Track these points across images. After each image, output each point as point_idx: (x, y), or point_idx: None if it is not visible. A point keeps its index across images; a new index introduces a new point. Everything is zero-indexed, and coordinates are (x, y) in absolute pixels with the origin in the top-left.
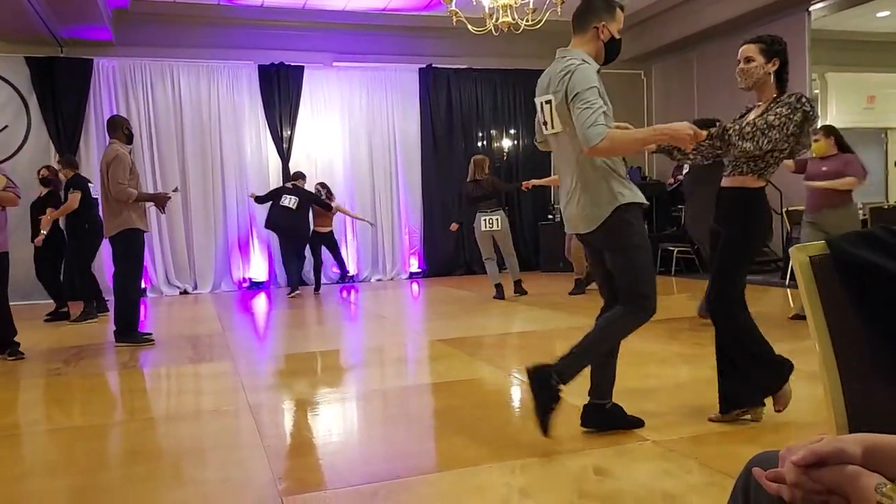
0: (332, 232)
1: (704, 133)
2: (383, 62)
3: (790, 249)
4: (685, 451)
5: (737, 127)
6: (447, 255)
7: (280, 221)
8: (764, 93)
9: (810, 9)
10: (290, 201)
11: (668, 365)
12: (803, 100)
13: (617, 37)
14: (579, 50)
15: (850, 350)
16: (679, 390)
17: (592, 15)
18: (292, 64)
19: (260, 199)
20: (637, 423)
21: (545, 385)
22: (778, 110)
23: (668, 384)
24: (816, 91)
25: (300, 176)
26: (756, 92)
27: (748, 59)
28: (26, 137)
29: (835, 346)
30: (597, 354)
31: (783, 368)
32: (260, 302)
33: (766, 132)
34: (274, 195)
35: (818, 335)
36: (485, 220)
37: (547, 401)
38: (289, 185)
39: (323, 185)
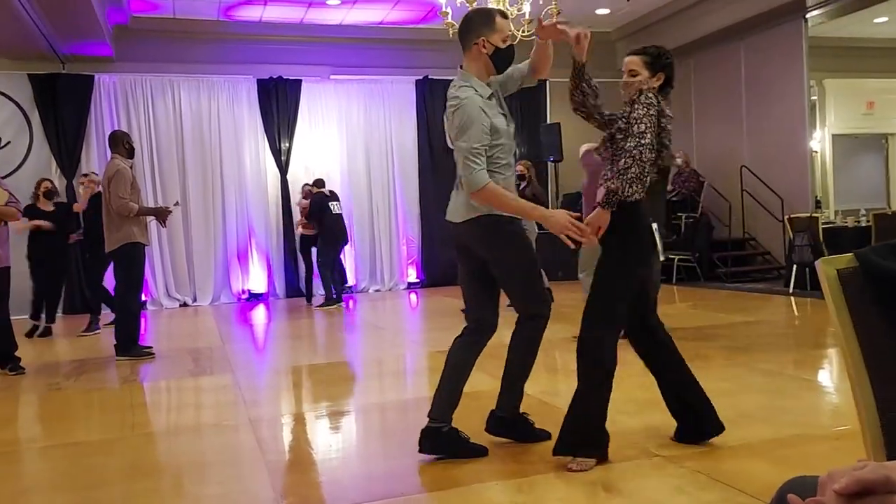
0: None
1: (587, 229)
2: (380, 75)
3: (816, 263)
4: (696, 466)
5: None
6: (445, 265)
7: (336, 229)
8: None
9: (807, 15)
10: (337, 207)
11: None
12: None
13: (502, 46)
14: (469, 70)
15: (882, 362)
16: None
17: (471, 32)
18: (290, 78)
19: (311, 217)
20: (480, 451)
21: (511, 425)
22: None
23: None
24: (815, 97)
25: (323, 183)
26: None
27: (632, 73)
28: (28, 153)
29: (865, 359)
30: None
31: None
32: (259, 313)
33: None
34: (320, 207)
35: (848, 348)
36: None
37: (527, 436)
38: (326, 191)
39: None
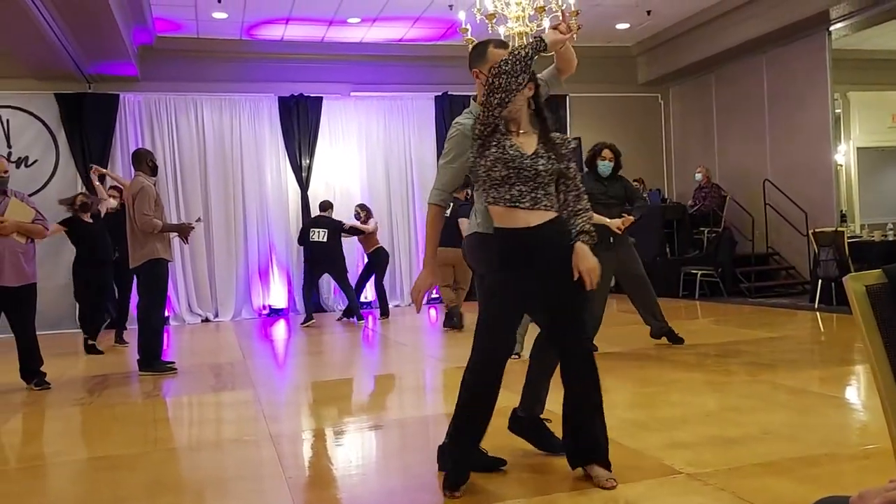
0: (377, 250)
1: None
2: (400, 91)
3: (844, 279)
4: (720, 484)
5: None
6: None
7: (315, 253)
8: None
9: (830, 28)
10: (320, 234)
11: (694, 393)
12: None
13: None
14: (477, 100)
15: None
16: (709, 419)
17: (470, 65)
18: (311, 95)
19: (300, 241)
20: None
21: (527, 428)
22: None
23: (696, 413)
24: (839, 110)
25: (328, 206)
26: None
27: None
28: (55, 171)
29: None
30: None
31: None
32: (280, 329)
33: None
34: (303, 231)
35: (878, 365)
36: None
37: (541, 443)
38: (320, 215)
39: (362, 206)
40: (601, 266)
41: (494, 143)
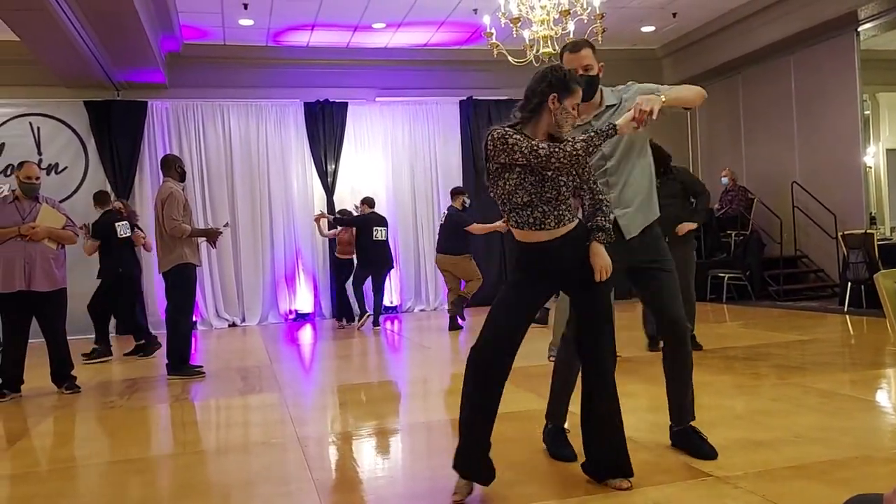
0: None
1: None
2: (425, 96)
3: (875, 276)
4: (750, 487)
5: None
6: (489, 285)
7: (369, 254)
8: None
9: (859, 29)
10: (380, 234)
11: (723, 396)
12: None
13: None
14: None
15: None
16: (738, 422)
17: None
18: (337, 101)
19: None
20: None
21: (552, 436)
22: None
23: (725, 416)
24: (868, 112)
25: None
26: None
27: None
28: (84, 178)
29: None
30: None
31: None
32: (306, 333)
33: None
34: (366, 229)
35: None
36: None
37: (556, 452)
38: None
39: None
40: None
41: (519, 168)
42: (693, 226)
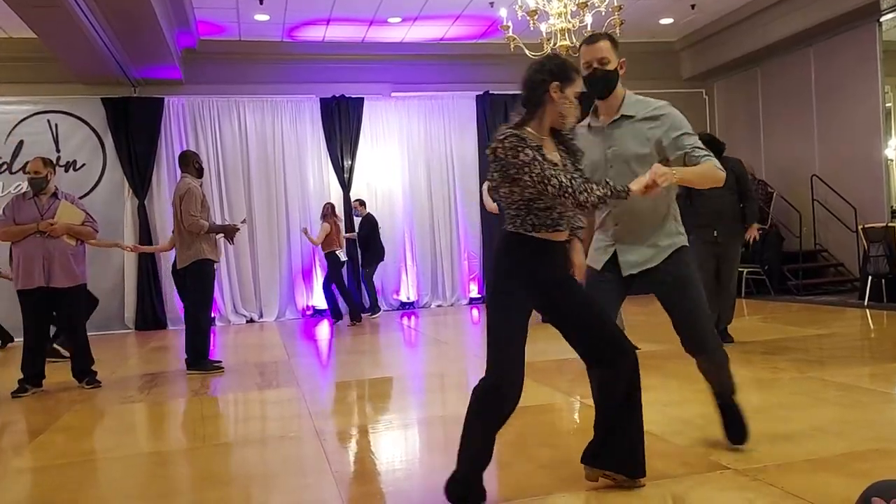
0: (331, 252)
1: None
2: (441, 91)
3: None
4: (769, 479)
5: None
6: None
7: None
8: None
9: (881, 19)
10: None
11: (742, 390)
12: None
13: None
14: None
15: None
16: (757, 415)
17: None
18: (352, 96)
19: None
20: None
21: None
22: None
23: (745, 409)
24: (889, 104)
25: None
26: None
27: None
28: (102, 174)
29: None
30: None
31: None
32: (323, 329)
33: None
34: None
35: None
36: None
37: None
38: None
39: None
40: (698, 258)
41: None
42: (757, 229)
